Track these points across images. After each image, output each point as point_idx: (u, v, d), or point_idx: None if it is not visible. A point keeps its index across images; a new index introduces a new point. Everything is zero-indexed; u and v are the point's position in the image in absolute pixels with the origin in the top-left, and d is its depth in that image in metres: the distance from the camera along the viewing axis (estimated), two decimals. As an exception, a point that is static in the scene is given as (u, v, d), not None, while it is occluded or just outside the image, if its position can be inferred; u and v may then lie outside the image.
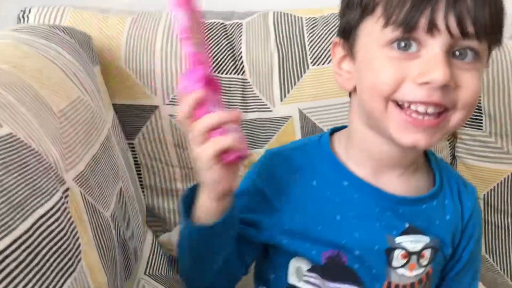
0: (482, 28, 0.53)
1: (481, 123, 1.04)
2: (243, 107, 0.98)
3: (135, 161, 0.97)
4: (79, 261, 0.49)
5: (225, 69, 0.98)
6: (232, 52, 0.99)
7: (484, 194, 1.04)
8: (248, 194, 0.64)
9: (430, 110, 0.54)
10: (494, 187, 1.03)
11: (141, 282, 0.78)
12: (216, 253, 0.61)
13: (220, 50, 0.98)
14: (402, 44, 0.54)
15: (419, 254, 0.62)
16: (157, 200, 1.00)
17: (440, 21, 0.52)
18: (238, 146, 0.52)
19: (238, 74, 0.98)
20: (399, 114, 0.55)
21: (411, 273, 0.62)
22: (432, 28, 0.52)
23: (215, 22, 1.01)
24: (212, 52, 0.97)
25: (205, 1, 1.10)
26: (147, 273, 0.82)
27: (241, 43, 0.99)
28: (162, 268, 0.86)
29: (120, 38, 0.96)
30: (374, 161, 0.62)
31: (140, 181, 0.98)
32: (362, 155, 0.62)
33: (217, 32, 0.99)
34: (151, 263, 0.84)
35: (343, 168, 0.63)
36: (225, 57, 0.98)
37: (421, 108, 0.54)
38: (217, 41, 0.99)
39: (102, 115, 0.73)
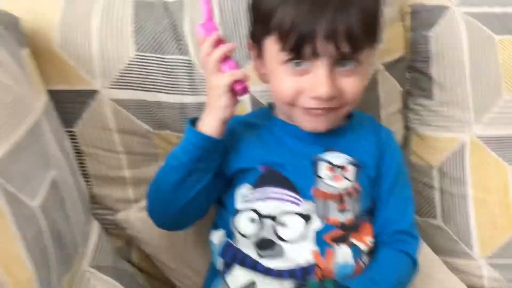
0: (358, 45, 0.67)
1: (432, 92, 1.03)
2: (191, 90, 0.94)
3: (77, 149, 0.92)
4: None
5: (168, 49, 0.93)
6: (175, 31, 0.94)
7: (439, 164, 1.04)
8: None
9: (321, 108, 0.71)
10: (448, 156, 1.03)
11: (86, 275, 0.75)
12: (206, 171, 0.75)
13: (162, 30, 0.93)
14: (296, 63, 0.69)
15: (342, 168, 0.75)
16: (104, 189, 0.95)
17: (321, 49, 0.66)
18: (246, 78, 0.71)
19: (183, 54, 0.93)
20: (301, 111, 0.72)
21: (337, 185, 0.74)
22: (315, 54, 0.67)
23: (154, -1, 0.96)
24: (153, 32, 0.93)
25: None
26: (93, 265, 0.78)
27: (183, 21, 0.94)
28: (110, 259, 0.82)
29: (53, 19, 0.90)
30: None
31: (85, 170, 0.94)
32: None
33: (157, 10, 0.95)
34: (97, 254, 0.80)
35: (280, 120, 0.81)
36: (167, 36, 0.93)
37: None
38: (158, 20, 0.94)
39: (28, 100, 0.68)
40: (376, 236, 0.79)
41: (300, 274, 0.72)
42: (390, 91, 1.03)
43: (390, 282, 0.74)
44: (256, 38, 0.75)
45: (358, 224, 0.76)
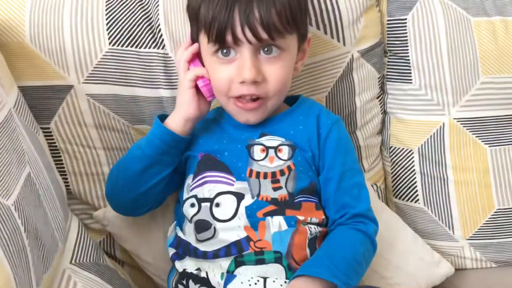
0: (274, 31, 0.73)
1: (411, 76, 1.03)
2: (167, 84, 0.92)
3: (54, 146, 0.91)
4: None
5: (143, 43, 0.91)
6: (150, 24, 0.92)
7: (419, 147, 1.04)
8: None
9: (251, 99, 0.78)
10: (428, 139, 1.03)
11: (66, 272, 0.74)
12: (167, 165, 0.81)
13: (136, 22, 0.92)
14: (224, 52, 0.76)
15: (276, 149, 0.80)
16: (83, 186, 0.93)
17: (240, 35, 0.73)
18: (207, 75, 0.79)
19: (158, 48, 0.92)
20: (234, 104, 0.79)
21: (271, 165, 0.79)
22: (236, 41, 0.73)
23: (127, -9, 0.94)
24: (127, 25, 0.91)
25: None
26: (73, 262, 0.77)
27: (158, 13, 0.92)
28: (90, 255, 0.81)
29: (23, 12, 0.88)
30: None
31: (62, 167, 0.92)
32: None
33: (130, 2, 0.93)
34: (78, 251, 0.79)
35: (226, 113, 0.85)
36: (142, 29, 0.92)
37: (246, 98, 0.78)
38: (132, 12, 0.92)
39: (-2, 95, 0.66)
40: (331, 224, 0.80)
41: (234, 251, 0.75)
42: (366, 78, 1.03)
43: (345, 257, 0.74)
44: (194, 35, 0.81)
45: (298, 203, 0.78)
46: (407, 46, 1.02)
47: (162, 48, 0.92)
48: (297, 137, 0.81)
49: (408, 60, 1.03)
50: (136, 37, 0.91)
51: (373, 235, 0.79)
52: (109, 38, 0.90)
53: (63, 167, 0.92)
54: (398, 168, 1.07)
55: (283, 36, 0.75)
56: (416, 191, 1.06)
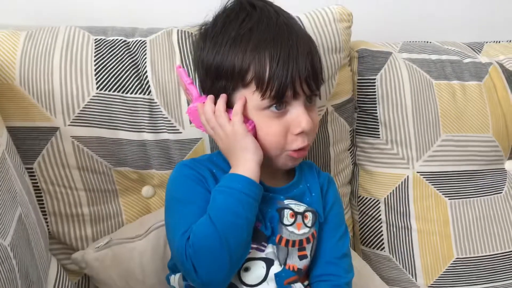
0: (320, 82, 0.80)
1: (378, 132, 1.11)
2: (152, 128, 0.96)
3: (35, 187, 0.91)
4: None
5: (130, 88, 0.95)
6: (137, 71, 0.96)
7: (385, 198, 1.11)
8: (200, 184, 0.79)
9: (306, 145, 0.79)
10: (393, 190, 1.10)
11: (47, 313, 0.73)
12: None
13: (124, 69, 0.96)
14: (278, 106, 0.76)
15: (303, 214, 0.80)
16: (62, 226, 0.94)
17: (299, 91, 0.76)
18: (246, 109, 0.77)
19: (144, 94, 0.95)
20: (289, 155, 0.79)
21: (299, 231, 0.79)
22: (295, 95, 0.76)
23: (116, 39, 0.98)
24: (114, 71, 0.95)
25: (106, 17, 1.10)
26: (53, 303, 0.77)
27: (145, 61, 0.97)
28: (69, 297, 0.81)
29: (14, 56, 0.91)
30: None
31: (42, 207, 0.92)
32: None
33: (119, 50, 0.97)
34: (57, 292, 0.79)
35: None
36: (129, 76, 0.96)
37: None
38: (120, 59, 0.96)
39: (-6, 137, 0.68)
40: (312, 275, 0.83)
41: None
42: (339, 130, 1.10)
43: None
44: (220, 92, 0.79)
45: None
46: (376, 104, 1.10)
47: (148, 94, 0.96)
48: (313, 204, 0.82)
49: (376, 116, 1.10)
50: (123, 82, 0.95)
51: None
52: (97, 83, 0.93)
53: (44, 207, 0.92)
54: (366, 217, 1.13)
55: (322, 85, 0.81)
56: (382, 239, 1.11)
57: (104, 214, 0.97)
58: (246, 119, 0.77)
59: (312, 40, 0.82)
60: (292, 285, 0.77)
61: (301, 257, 0.79)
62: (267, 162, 0.79)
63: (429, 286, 1.09)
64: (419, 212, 1.09)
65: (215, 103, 0.79)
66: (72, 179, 0.93)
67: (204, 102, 0.79)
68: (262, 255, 0.77)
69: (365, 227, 1.14)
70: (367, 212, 1.13)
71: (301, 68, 0.75)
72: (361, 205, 1.14)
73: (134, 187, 0.99)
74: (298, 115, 0.77)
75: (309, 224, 0.80)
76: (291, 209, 0.79)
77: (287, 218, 0.78)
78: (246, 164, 0.75)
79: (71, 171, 0.93)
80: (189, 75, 0.90)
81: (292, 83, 0.75)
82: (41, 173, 0.92)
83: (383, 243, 1.11)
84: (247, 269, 0.76)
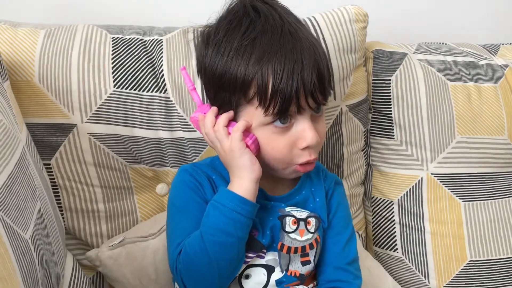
0: (328, 93, 0.76)
1: (393, 132, 1.11)
2: (167, 126, 0.97)
3: (52, 182, 0.93)
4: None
5: (146, 87, 0.96)
6: (153, 69, 0.97)
7: (398, 199, 1.11)
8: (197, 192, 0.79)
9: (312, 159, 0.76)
10: (407, 191, 1.10)
11: (63, 308, 0.74)
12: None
13: (140, 67, 0.97)
14: (283, 120, 0.73)
15: (305, 220, 0.79)
16: (77, 222, 0.95)
17: (304, 105, 0.73)
18: (249, 124, 0.74)
19: (160, 92, 0.96)
20: (295, 168, 0.76)
21: (301, 238, 0.79)
22: (300, 110, 0.73)
23: (133, 37, 0.99)
24: (131, 69, 0.96)
25: (123, 16, 1.11)
26: (69, 298, 0.78)
27: (162, 60, 0.98)
28: (85, 291, 0.82)
29: (33, 53, 0.92)
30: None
31: (59, 203, 0.94)
32: None
33: (136, 48, 0.98)
34: (73, 286, 0.80)
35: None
36: (145, 74, 0.97)
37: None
38: (137, 58, 0.97)
39: (15, 132, 0.69)
40: (320, 280, 0.83)
41: None
42: (353, 131, 1.10)
43: None
44: (225, 105, 0.76)
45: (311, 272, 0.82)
46: (390, 104, 1.10)
47: (164, 92, 0.96)
48: (317, 210, 0.82)
49: (391, 117, 1.10)
50: (140, 81, 0.96)
51: None
52: (114, 81, 0.94)
53: (60, 203, 0.94)
54: (379, 218, 1.13)
55: (329, 97, 0.77)
56: (395, 240, 1.11)
57: (119, 211, 0.98)
58: (247, 133, 0.75)
59: (320, 45, 0.77)
60: (294, 287, 0.77)
61: (304, 263, 0.79)
62: (270, 172, 0.78)
63: (442, 288, 1.09)
64: (433, 213, 1.09)
65: (218, 115, 0.76)
66: (89, 175, 0.95)
67: (205, 113, 0.77)
68: (263, 262, 0.78)
69: (378, 228, 1.14)
70: (380, 213, 1.13)
71: (306, 82, 0.71)
72: (375, 206, 1.14)
73: (149, 185, 1.00)
74: (303, 129, 0.74)
75: (312, 230, 0.80)
76: (293, 216, 0.79)
77: (289, 225, 0.78)
78: (240, 182, 0.73)
79: (88, 167, 0.94)
80: (192, 79, 0.89)
81: (297, 98, 0.71)
82: (58, 169, 0.93)
83: (396, 245, 1.11)
84: (247, 277, 0.77)
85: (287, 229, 0.78)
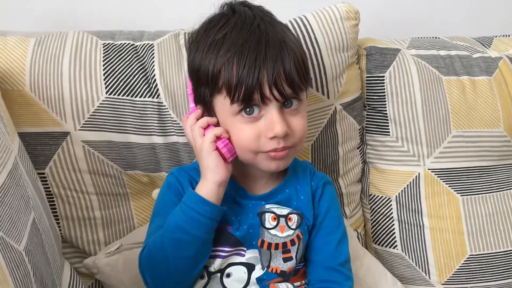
0: (297, 87, 0.77)
1: (388, 129, 1.10)
2: (161, 131, 0.96)
3: (47, 191, 0.92)
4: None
5: (139, 92, 0.95)
6: (145, 74, 0.97)
7: (396, 196, 1.10)
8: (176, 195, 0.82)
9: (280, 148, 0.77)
10: (405, 188, 1.10)
11: (61, 318, 0.74)
12: (212, 240, 0.77)
13: (132, 73, 0.96)
14: (248, 111, 0.76)
15: (286, 217, 0.81)
16: (74, 230, 0.95)
17: (268, 95, 0.74)
18: (225, 135, 0.77)
19: (153, 97, 0.96)
20: (264, 155, 0.78)
21: (282, 234, 0.80)
22: (264, 100, 0.75)
23: (124, 43, 0.99)
24: (123, 75, 0.95)
25: (113, 21, 1.11)
26: (67, 307, 0.77)
27: (153, 65, 0.97)
28: (83, 300, 0.82)
29: (24, 62, 0.92)
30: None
31: (55, 212, 0.93)
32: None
33: (127, 54, 0.98)
34: (72, 296, 0.80)
35: (231, 180, 0.81)
36: (137, 80, 0.96)
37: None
38: (129, 63, 0.97)
39: (7, 142, 0.69)
40: (311, 279, 0.83)
41: None
42: (348, 129, 1.10)
43: None
44: (203, 99, 0.80)
45: (297, 270, 0.82)
46: (385, 101, 1.10)
47: (157, 97, 0.96)
48: (301, 207, 0.83)
49: (386, 113, 1.10)
50: (132, 86, 0.95)
51: None
52: (106, 87, 0.94)
53: (56, 212, 0.93)
54: (377, 215, 1.13)
55: (302, 90, 0.78)
56: (394, 237, 1.11)
57: (115, 218, 0.97)
58: (224, 139, 0.77)
59: (294, 43, 0.79)
60: (277, 284, 0.78)
61: (286, 259, 0.80)
62: (250, 170, 0.82)
63: (443, 284, 1.08)
64: (431, 209, 1.09)
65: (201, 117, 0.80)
66: (84, 183, 0.94)
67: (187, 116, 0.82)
68: (243, 260, 0.79)
69: (377, 225, 1.13)
70: (378, 210, 1.13)
71: (269, 72, 0.74)
72: (373, 203, 1.13)
73: (145, 190, 1.00)
74: (271, 120, 0.76)
75: (293, 227, 0.81)
76: (272, 212, 0.81)
77: (269, 222, 0.80)
78: (204, 183, 0.76)
79: (83, 175, 0.94)
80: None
81: (260, 87, 0.74)
82: (53, 178, 0.92)
83: (395, 241, 1.11)
84: (228, 275, 0.78)
85: (267, 225, 0.80)
